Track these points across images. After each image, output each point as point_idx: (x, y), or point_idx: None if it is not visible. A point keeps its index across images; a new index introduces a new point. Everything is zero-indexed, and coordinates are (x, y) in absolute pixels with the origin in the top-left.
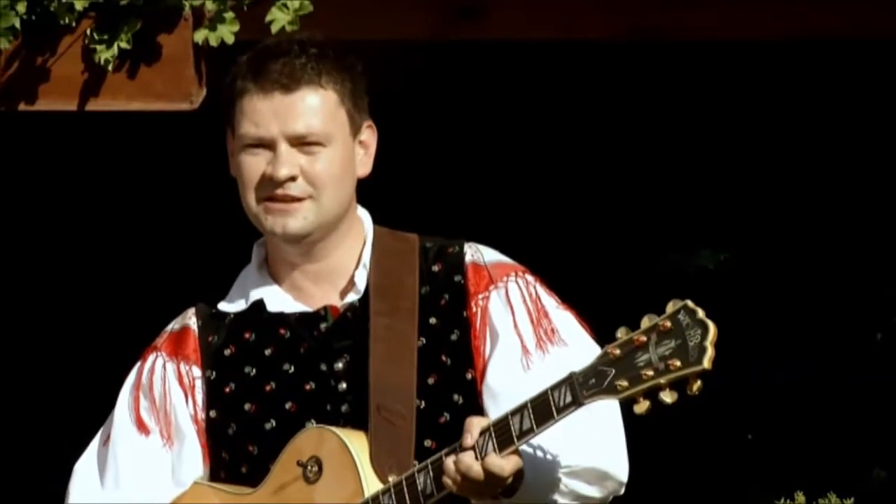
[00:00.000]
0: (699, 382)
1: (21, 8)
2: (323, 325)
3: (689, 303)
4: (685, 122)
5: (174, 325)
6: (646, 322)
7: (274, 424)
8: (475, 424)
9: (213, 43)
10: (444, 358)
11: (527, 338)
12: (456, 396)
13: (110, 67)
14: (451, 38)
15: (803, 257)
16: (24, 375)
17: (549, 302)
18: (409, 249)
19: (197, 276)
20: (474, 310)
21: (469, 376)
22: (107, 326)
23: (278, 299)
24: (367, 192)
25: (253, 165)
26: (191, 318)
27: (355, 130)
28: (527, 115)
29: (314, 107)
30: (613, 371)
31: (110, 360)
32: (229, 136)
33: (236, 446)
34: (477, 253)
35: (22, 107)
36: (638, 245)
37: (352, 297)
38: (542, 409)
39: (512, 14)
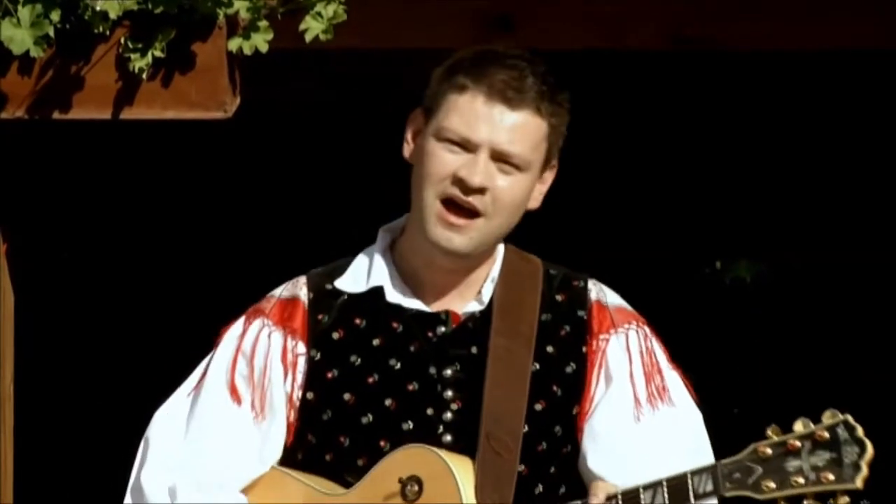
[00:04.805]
0: (847, 498)
1: (55, 16)
2: (440, 329)
3: (850, 418)
4: (722, 132)
5: (283, 292)
6: (800, 427)
7: (370, 419)
8: (602, 488)
9: (247, 51)
10: (555, 388)
11: (640, 390)
12: (557, 428)
13: (144, 76)
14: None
15: (840, 268)
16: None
17: (662, 358)
18: (534, 271)
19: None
20: (594, 348)
21: (574, 411)
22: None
23: (398, 290)
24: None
25: (445, 161)
26: (301, 289)
27: (545, 166)
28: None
29: (528, 131)
30: (761, 470)
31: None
32: (419, 118)
33: (327, 434)
34: (601, 292)
35: (56, 115)
36: (676, 255)
37: (474, 307)
38: (679, 491)
39: (548, 24)
